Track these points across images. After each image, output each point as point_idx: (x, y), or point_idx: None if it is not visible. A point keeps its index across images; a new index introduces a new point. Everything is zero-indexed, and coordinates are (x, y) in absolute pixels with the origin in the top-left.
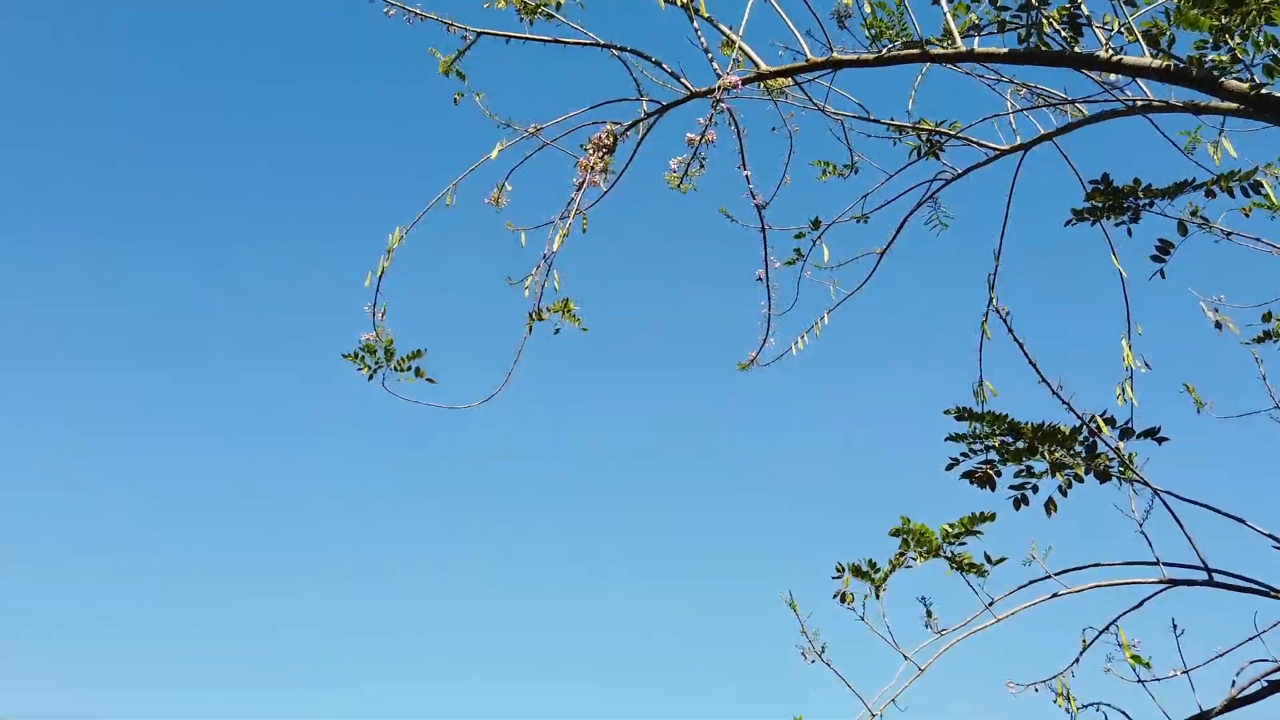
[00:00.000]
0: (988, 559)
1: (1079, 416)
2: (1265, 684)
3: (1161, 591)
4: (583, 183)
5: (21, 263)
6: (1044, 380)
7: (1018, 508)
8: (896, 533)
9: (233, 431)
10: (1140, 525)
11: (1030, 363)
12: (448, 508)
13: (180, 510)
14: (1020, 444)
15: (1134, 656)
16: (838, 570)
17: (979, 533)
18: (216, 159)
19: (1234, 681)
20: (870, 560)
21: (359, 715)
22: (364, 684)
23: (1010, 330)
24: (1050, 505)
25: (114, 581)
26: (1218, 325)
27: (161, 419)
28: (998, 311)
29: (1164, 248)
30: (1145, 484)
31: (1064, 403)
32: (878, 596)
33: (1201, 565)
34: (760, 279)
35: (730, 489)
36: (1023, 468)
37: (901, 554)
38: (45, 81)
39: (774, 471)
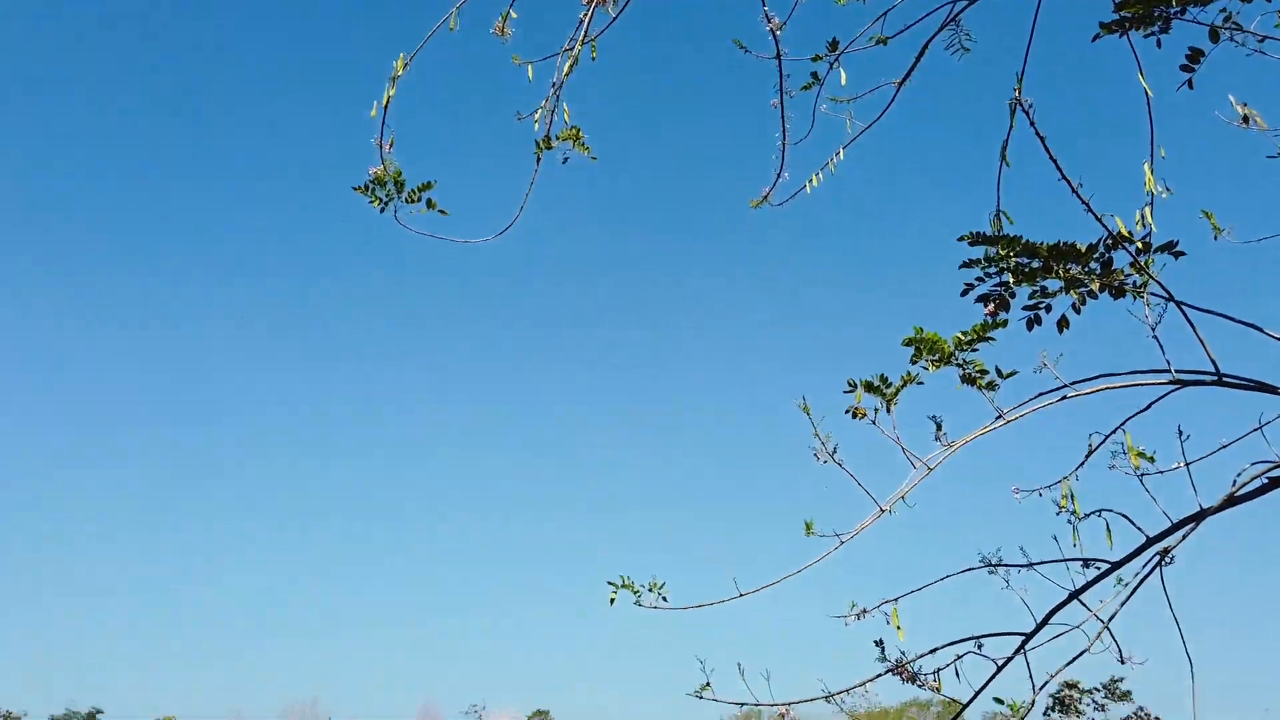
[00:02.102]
0: (998, 372)
1: (1097, 218)
2: (1265, 481)
3: (1171, 393)
4: (592, 3)
5: None
6: (1064, 178)
7: (1030, 328)
8: (909, 342)
9: (246, 271)
10: (1153, 330)
11: (1051, 159)
12: (460, 340)
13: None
14: (1035, 264)
15: (1138, 453)
16: (849, 385)
17: (992, 339)
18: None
19: (1235, 481)
20: (882, 375)
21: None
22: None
23: (1033, 124)
24: (1063, 322)
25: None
26: (1245, 120)
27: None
28: (1020, 104)
29: (1194, 56)
30: (1160, 287)
31: (1083, 202)
32: (889, 411)
33: (1212, 367)
34: (775, 106)
35: (740, 321)
36: (1036, 289)
37: (914, 363)
38: None
39: (787, 308)
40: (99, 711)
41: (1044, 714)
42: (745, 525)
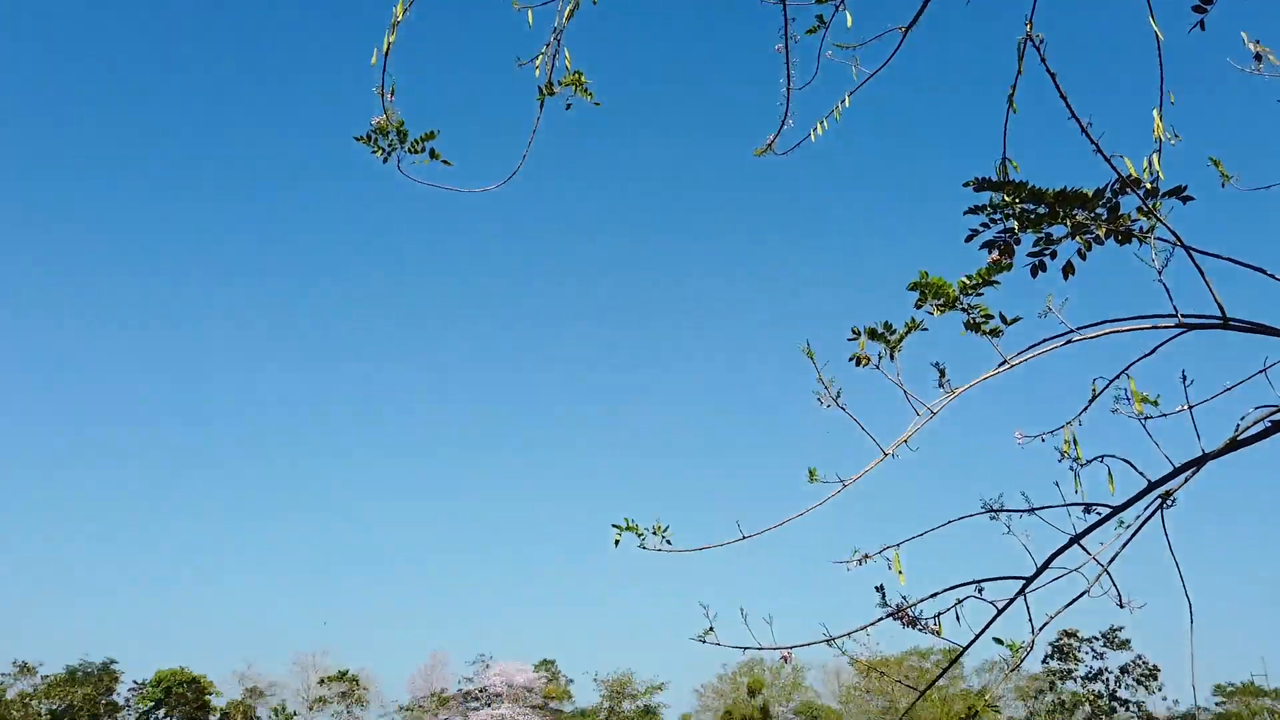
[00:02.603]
0: (1003, 318)
1: (1106, 158)
2: (1267, 425)
3: (1176, 336)
4: None
5: None
6: (1074, 116)
7: (1035, 275)
8: (914, 286)
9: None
10: (1159, 274)
11: (1061, 95)
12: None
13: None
14: (1041, 210)
15: (1142, 397)
16: (853, 333)
17: (996, 283)
18: None
19: (1238, 425)
20: (886, 322)
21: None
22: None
23: (1043, 59)
24: (1068, 269)
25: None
26: (1257, 58)
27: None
28: (1031, 39)
29: None
30: (1168, 230)
31: (1092, 142)
32: (892, 358)
33: (1218, 311)
34: (779, 51)
35: (749, 267)
36: (1042, 235)
37: (918, 308)
38: None
39: (792, 260)
40: (113, 662)
41: (1042, 661)
42: (750, 475)
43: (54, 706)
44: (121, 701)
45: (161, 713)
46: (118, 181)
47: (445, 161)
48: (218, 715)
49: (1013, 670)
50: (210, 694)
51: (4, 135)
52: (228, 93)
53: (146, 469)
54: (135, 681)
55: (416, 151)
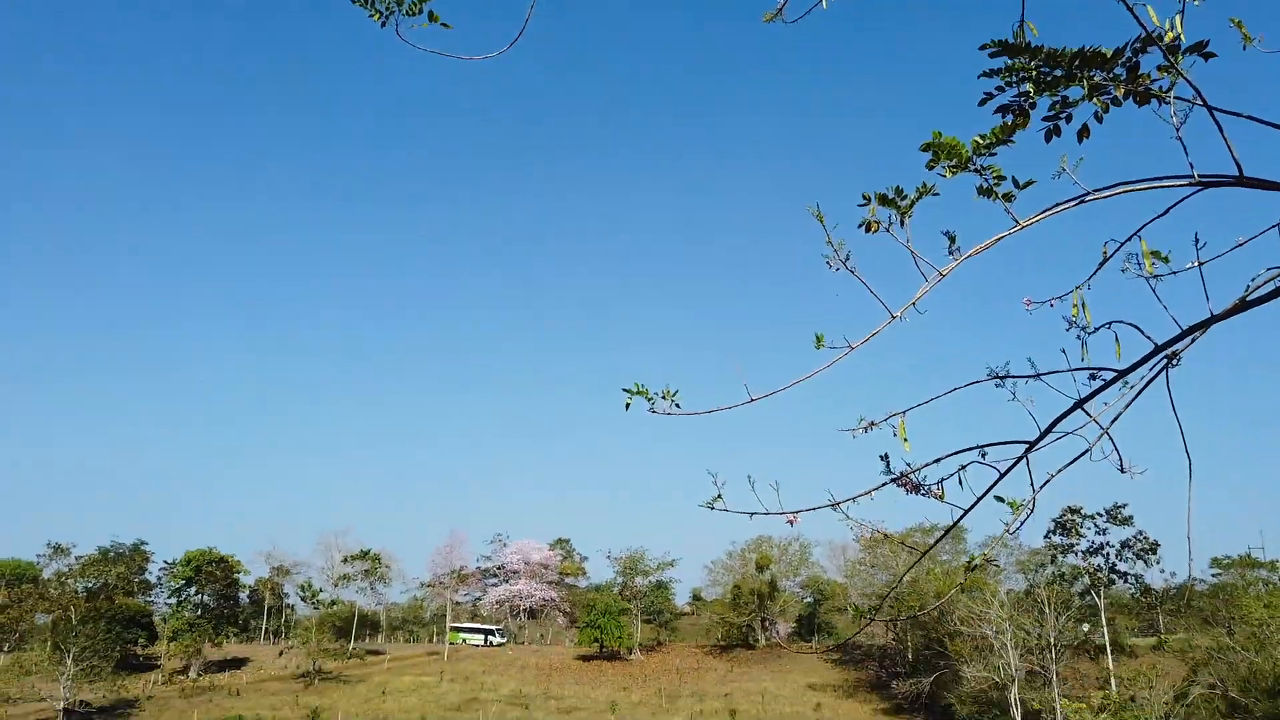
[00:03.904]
0: (1015, 182)
1: (1129, 8)
2: (1278, 285)
3: (1192, 195)
4: None
5: None
6: None
7: (1049, 139)
8: (927, 147)
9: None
10: (1177, 131)
11: None
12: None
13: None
14: (1058, 72)
15: (1153, 252)
16: (864, 199)
17: (1011, 141)
18: None
19: (1248, 285)
20: (897, 187)
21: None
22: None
23: None
24: (1084, 131)
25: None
26: None
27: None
28: None
29: None
30: (1189, 85)
31: None
32: (902, 224)
33: (1235, 169)
34: None
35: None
36: (1058, 99)
37: (930, 169)
38: None
39: (801, 125)
40: (143, 543)
41: (1044, 536)
42: (759, 344)
43: (89, 584)
44: (154, 580)
45: (193, 590)
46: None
47: (444, 25)
48: (247, 592)
49: (1013, 530)
50: (239, 572)
51: None
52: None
53: (172, 350)
54: (165, 561)
55: (414, 14)
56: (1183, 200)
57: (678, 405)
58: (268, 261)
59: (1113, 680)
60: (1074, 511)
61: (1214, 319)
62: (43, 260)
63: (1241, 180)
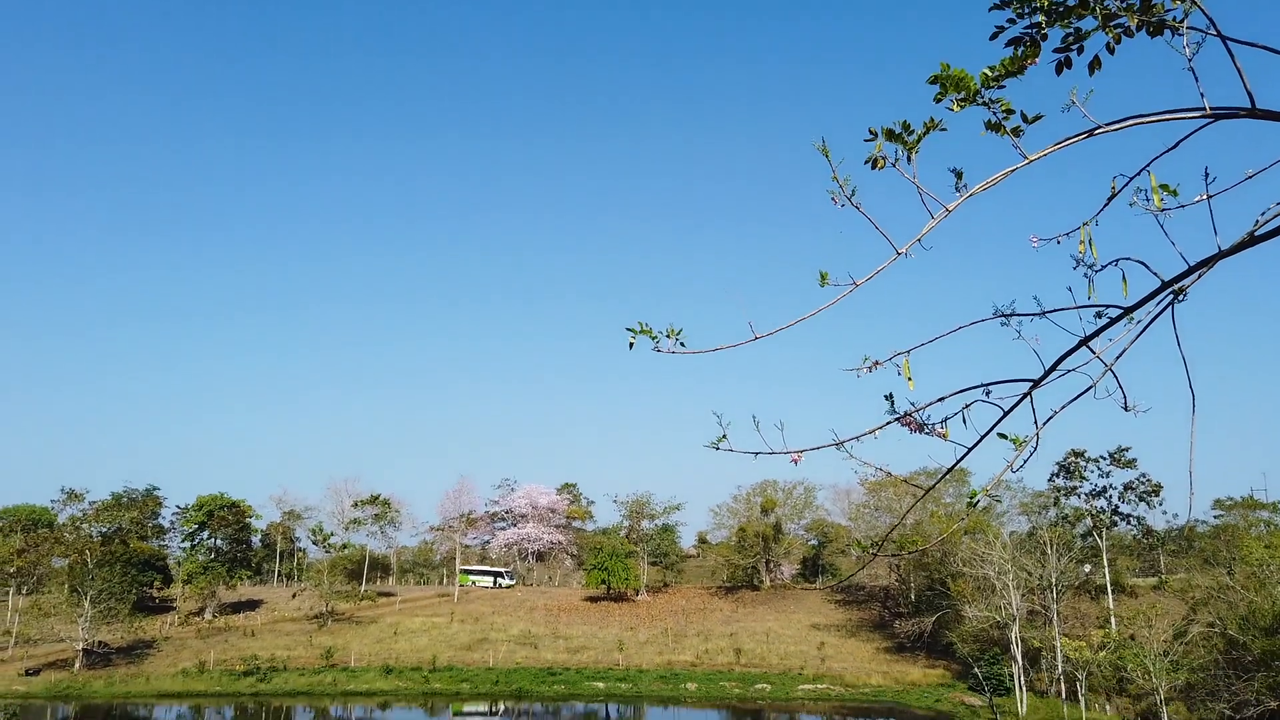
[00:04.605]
0: (1024, 117)
1: None
2: None
3: (1202, 127)
4: None
5: None
6: None
7: (1059, 72)
8: (935, 79)
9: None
10: (1189, 62)
11: None
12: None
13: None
14: (1071, 1)
15: (1162, 186)
16: (870, 134)
17: (1021, 72)
18: None
19: (1256, 220)
20: (904, 121)
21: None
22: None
23: None
24: (1095, 63)
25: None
26: None
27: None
28: None
29: None
30: (1202, 14)
31: None
32: (909, 160)
33: (1247, 102)
34: None
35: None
36: (1070, 30)
37: (938, 102)
38: None
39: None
40: (155, 489)
41: (1048, 480)
42: (765, 289)
43: (104, 529)
44: (167, 525)
45: (206, 534)
46: None
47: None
48: (259, 536)
49: (1016, 466)
50: (250, 517)
51: None
52: None
53: (182, 295)
54: (178, 506)
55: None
56: (1193, 133)
57: (682, 344)
58: (276, 202)
59: (1113, 619)
60: (1078, 455)
61: (1221, 254)
62: (47, 203)
63: (1254, 112)
